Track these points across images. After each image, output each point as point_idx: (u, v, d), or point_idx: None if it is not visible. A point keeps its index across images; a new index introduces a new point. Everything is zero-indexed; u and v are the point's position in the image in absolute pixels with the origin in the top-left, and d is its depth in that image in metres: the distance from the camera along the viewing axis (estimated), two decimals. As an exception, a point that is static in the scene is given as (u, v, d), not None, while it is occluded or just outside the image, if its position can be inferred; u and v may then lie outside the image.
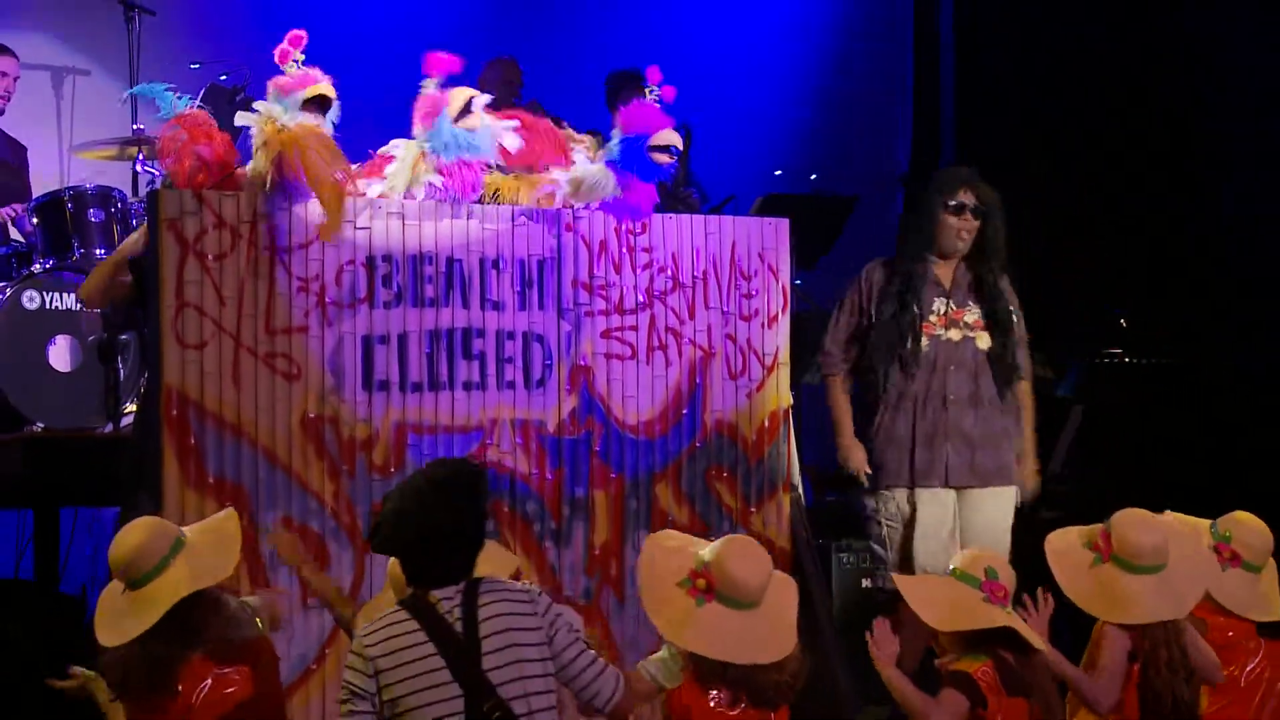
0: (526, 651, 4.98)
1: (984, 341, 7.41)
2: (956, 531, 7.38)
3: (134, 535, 5.36)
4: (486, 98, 6.79)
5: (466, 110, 6.67)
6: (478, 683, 4.92)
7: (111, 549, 5.40)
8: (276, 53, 6.43)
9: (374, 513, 5.30)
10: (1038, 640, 5.81)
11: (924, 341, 7.32)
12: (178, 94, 6.60)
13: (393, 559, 5.46)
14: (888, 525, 7.37)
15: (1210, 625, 6.62)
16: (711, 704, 5.48)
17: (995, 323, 7.43)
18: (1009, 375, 7.45)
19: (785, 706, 5.63)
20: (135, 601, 5.30)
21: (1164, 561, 6.16)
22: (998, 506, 7.42)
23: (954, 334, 7.38)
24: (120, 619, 5.32)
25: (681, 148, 6.97)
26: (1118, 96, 10.81)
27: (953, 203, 7.38)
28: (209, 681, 5.32)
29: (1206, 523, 6.78)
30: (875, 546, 7.42)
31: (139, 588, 5.31)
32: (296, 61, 6.41)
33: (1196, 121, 10.76)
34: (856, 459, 7.33)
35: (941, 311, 7.39)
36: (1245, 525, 6.60)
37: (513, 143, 6.79)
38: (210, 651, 5.31)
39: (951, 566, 5.96)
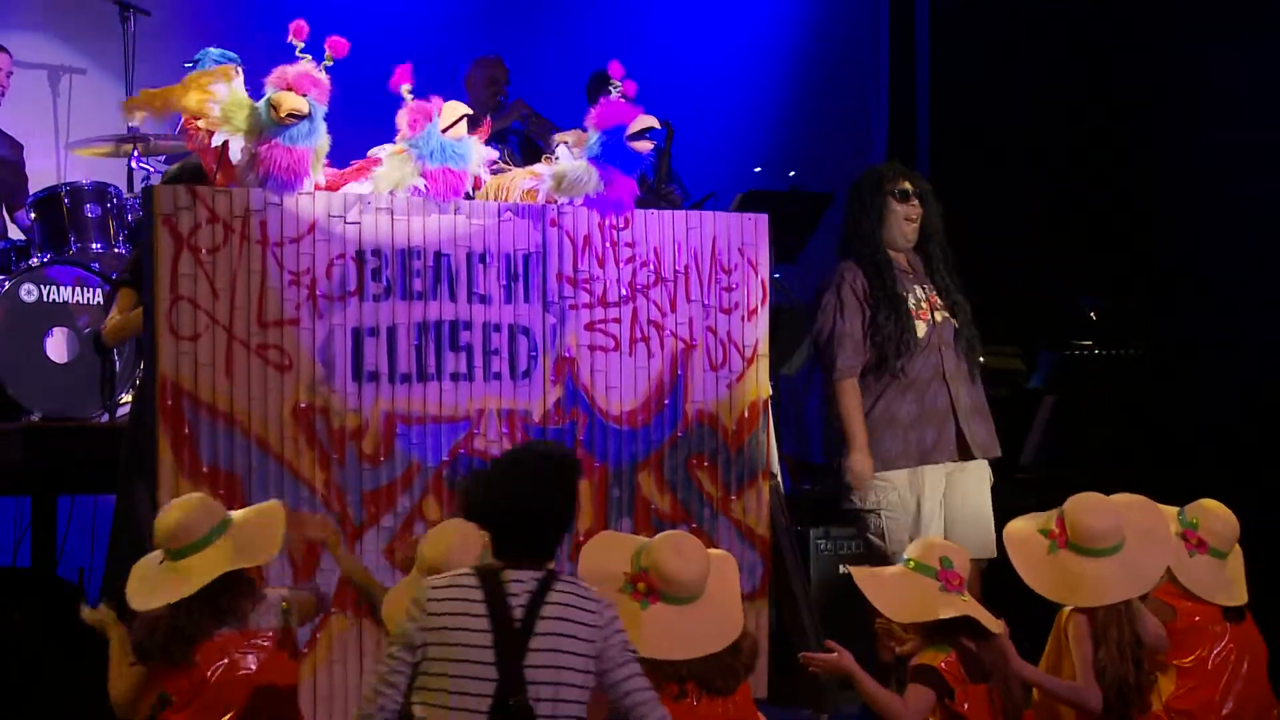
0: (571, 659, 4.90)
1: (959, 319, 7.51)
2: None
3: (182, 509, 5.43)
4: (468, 112, 6.80)
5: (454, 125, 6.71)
6: (515, 674, 4.85)
7: (159, 518, 5.45)
8: (293, 28, 6.42)
9: (466, 480, 5.30)
10: (995, 625, 5.82)
11: (922, 328, 7.39)
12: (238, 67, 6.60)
13: (425, 542, 5.49)
14: (887, 516, 7.33)
15: (1178, 610, 6.64)
16: (692, 701, 5.47)
17: (955, 302, 7.52)
18: (974, 347, 7.56)
19: (744, 684, 5.64)
20: (172, 572, 5.34)
21: (1119, 542, 6.17)
22: (983, 477, 7.51)
23: (938, 316, 7.45)
24: (154, 586, 5.35)
25: (659, 128, 6.97)
26: (1088, 97, 10.82)
27: (898, 190, 7.49)
28: (225, 661, 5.33)
29: (1174, 510, 6.80)
30: (874, 539, 7.34)
31: (177, 559, 5.35)
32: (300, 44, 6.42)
33: (1163, 120, 10.77)
34: (867, 470, 7.29)
35: (923, 297, 7.47)
36: (1211, 512, 6.63)
37: (486, 175, 6.86)
38: (235, 632, 5.34)
39: (906, 557, 5.97)
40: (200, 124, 6.43)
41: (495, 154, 6.95)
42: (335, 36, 6.46)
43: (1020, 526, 6.29)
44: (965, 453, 7.44)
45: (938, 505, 7.38)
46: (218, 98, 6.42)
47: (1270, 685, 6.75)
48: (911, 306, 7.40)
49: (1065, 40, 10.84)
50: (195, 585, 5.27)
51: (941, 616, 5.79)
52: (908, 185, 7.52)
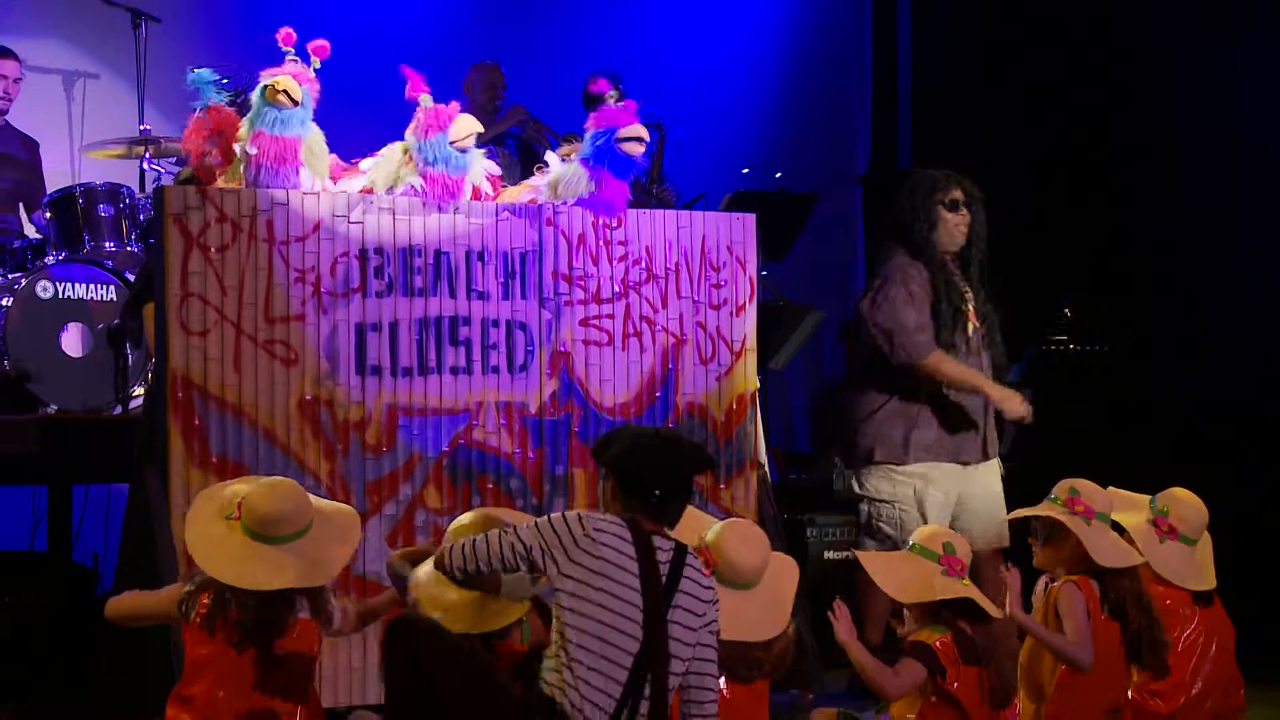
0: (690, 634, 5.03)
1: (983, 327, 7.53)
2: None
3: (284, 498, 5.42)
4: (480, 130, 6.83)
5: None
6: (659, 633, 4.96)
7: (258, 499, 5.39)
8: (281, 36, 6.45)
9: (607, 437, 5.38)
10: (994, 610, 5.86)
11: (970, 328, 7.44)
12: (221, 83, 6.61)
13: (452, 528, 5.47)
14: (901, 509, 7.39)
15: (1151, 595, 6.68)
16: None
17: (986, 308, 7.55)
18: (1000, 354, 7.60)
19: (764, 681, 5.65)
20: (262, 555, 5.34)
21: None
22: (997, 472, 7.57)
23: (976, 321, 7.48)
24: (243, 563, 5.33)
25: (648, 139, 6.97)
26: (1064, 99, 10.82)
27: (949, 200, 7.47)
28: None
29: (1145, 498, 6.83)
30: (884, 528, 7.41)
31: (264, 543, 5.35)
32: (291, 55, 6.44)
33: (1135, 130, 10.77)
34: (1019, 400, 7.37)
35: (970, 301, 7.49)
36: (1182, 500, 6.66)
37: (487, 187, 6.87)
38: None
39: (911, 542, 6.00)
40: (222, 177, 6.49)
41: (497, 169, 6.95)
42: (318, 40, 6.46)
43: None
44: (989, 456, 7.53)
45: (950, 501, 7.42)
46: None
47: (1237, 665, 6.78)
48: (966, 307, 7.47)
49: (1044, 48, 10.84)
50: (293, 581, 5.34)
51: (940, 598, 5.82)
52: (959, 195, 7.48)
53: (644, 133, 6.90)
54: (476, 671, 5.13)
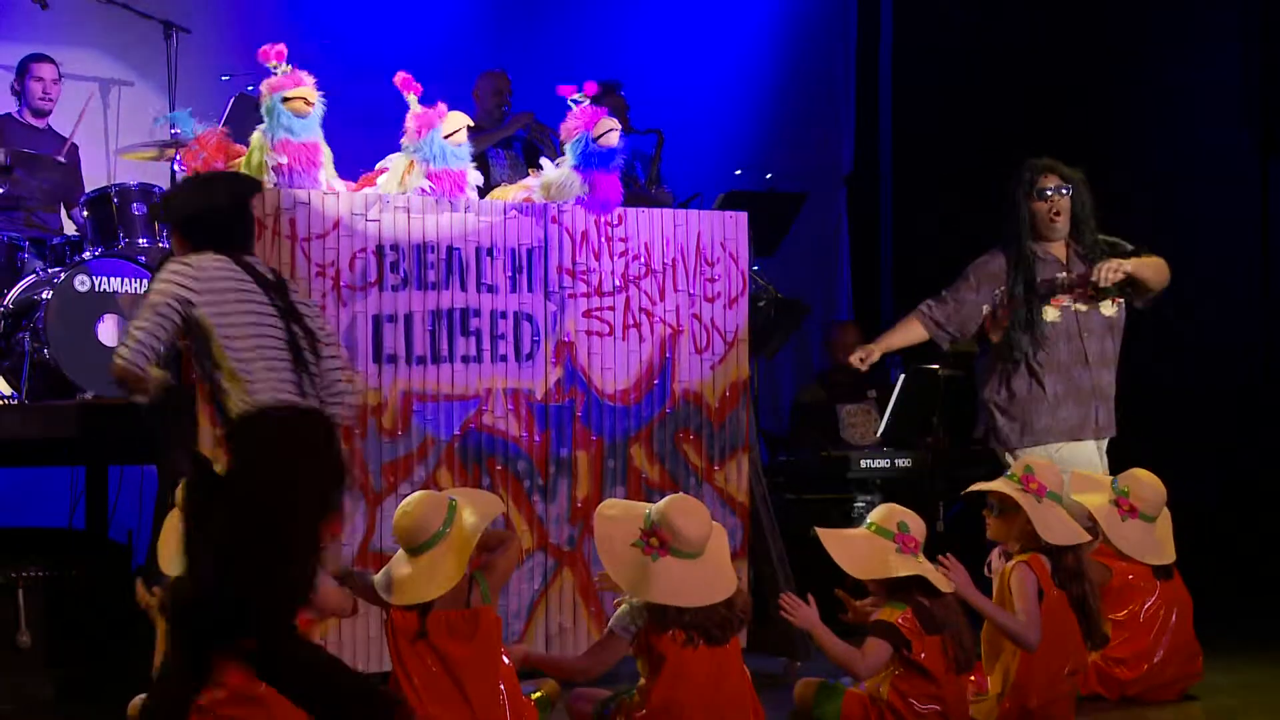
0: (316, 322, 5.50)
1: (1107, 309, 7.31)
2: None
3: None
4: (469, 122, 6.84)
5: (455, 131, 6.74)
6: (298, 319, 5.38)
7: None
8: (260, 53, 6.47)
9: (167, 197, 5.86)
10: (944, 584, 5.88)
11: (1054, 313, 7.24)
12: (196, 121, 6.78)
13: (398, 514, 5.49)
14: None
15: (1113, 570, 6.68)
16: (674, 645, 5.52)
17: (1102, 291, 7.29)
18: (1118, 331, 7.39)
19: (735, 637, 5.66)
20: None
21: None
22: (1103, 453, 7.34)
23: (1080, 305, 7.26)
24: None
25: (619, 126, 6.96)
26: (1038, 100, 10.80)
27: (1037, 190, 7.34)
28: None
29: (1108, 479, 6.84)
30: None
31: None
32: (279, 65, 6.45)
33: (1102, 131, 10.76)
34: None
35: (1067, 285, 7.27)
36: (1141, 480, 6.68)
37: (475, 178, 6.87)
38: None
39: (869, 521, 6.01)
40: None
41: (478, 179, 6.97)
42: (279, 45, 6.50)
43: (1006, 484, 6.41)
44: (1108, 430, 7.32)
45: (1097, 465, 7.22)
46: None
47: (1195, 635, 6.79)
48: (1045, 294, 7.25)
49: (1018, 52, 10.82)
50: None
51: (895, 574, 5.84)
52: (1048, 184, 7.35)
53: (614, 123, 6.91)
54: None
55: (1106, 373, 7.30)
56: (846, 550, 5.96)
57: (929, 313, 7.40)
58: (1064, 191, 7.32)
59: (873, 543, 5.96)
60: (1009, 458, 7.18)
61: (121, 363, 5.23)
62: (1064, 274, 7.28)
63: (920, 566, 5.86)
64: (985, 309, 7.35)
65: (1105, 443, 7.32)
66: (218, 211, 5.50)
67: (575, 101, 6.93)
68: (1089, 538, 6.39)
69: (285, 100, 6.41)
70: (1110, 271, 7.11)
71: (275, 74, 6.43)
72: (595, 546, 5.77)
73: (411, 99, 6.71)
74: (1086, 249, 7.31)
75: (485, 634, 5.54)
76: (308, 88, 6.44)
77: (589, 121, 6.86)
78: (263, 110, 6.49)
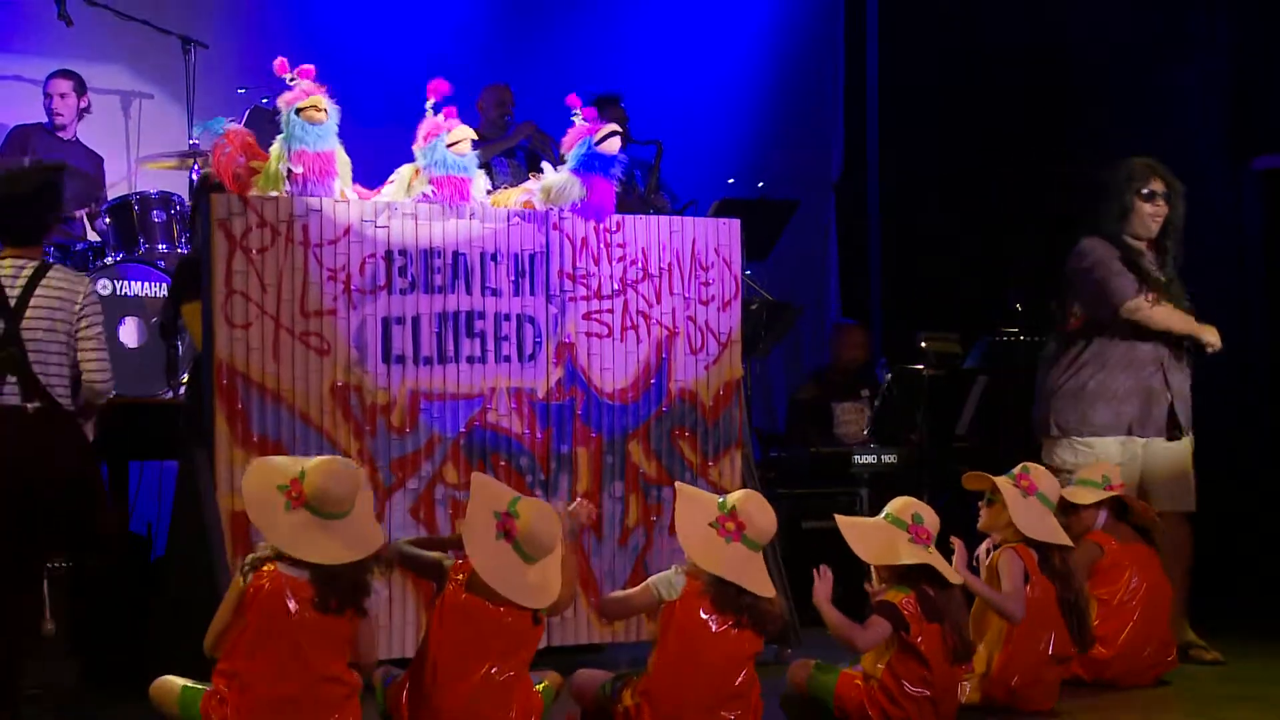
0: (49, 328, 5.76)
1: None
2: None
3: (340, 477, 5.37)
4: (473, 136, 6.81)
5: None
6: (14, 331, 5.69)
7: (320, 481, 5.33)
8: (277, 66, 6.45)
9: None
10: (954, 576, 5.89)
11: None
12: (228, 119, 6.70)
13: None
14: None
15: (1105, 550, 6.72)
16: (712, 625, 5.52)
17: (1176, 295, 7.19)
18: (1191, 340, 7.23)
19: (759, 637, 5.65)
20: (329, 530, 5.31)
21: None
22: (1186, 446, 7.23)
23: (1164, 305, 7.15)
24: (318, 543, 5.30)
25: (620, 130, 6.92)
26: (1017, 114, 10.79)
27: (1145, 190, 7.19)
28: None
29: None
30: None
31: (328, 519, 5.32)
32: (294, 79, 6.43)
33: (1075, 142, 10.75)
34: (1213, 332, 7.13)
35: (1153, 285, 7.16)
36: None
37: (480, 187, 6.84)
38: None
39: (886, 511, 5.99)
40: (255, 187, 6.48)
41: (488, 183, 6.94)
42: (304, 66, 6.47)
43: (1004, 482, 6.40)
44: (1172, 431, 7.20)
45: (1130, 472, 7.10)
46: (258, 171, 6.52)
47: (1170, 626, 6.82)
48: (1148, 289, 7.15)
49: (1000, 64, 10.80)
50: (373, 549, 5.36)
51: (904, 562, 5.83)
52: (1154, 187, 7.20)
53: (614, 126, 6.89)
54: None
55: (1178, 374, 7.19)
56: (860, 536, 5.96)
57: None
58: (1167, 197, 7.20)
59: (887, 531, 5.94)
60: (1059, 449, 7.13)
61: None
62: (1154, 275, 7.16)
63: (929, 557, 5.85)
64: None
65: (1185, 441, 7.22)
66: None
67: (576, 119, 6.91)
68: (1067, 540, 6.36)
69: (299, 111, 6.40)
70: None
71: (290, 87, 6.41)
72: (673, 519, 5.74)
73: (429, 105, 6.69)
74: (1165, 258, 7.22)
75: (532, 639, 5.55)
76: (320, 96, 6.42)
77: (589, 129, 6.84)
78: (281, 122, 6.47)
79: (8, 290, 5.77)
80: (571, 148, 6.87)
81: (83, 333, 5.86)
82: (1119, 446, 7.12)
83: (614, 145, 6.86)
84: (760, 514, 5.64)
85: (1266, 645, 7.33)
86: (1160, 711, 6.45)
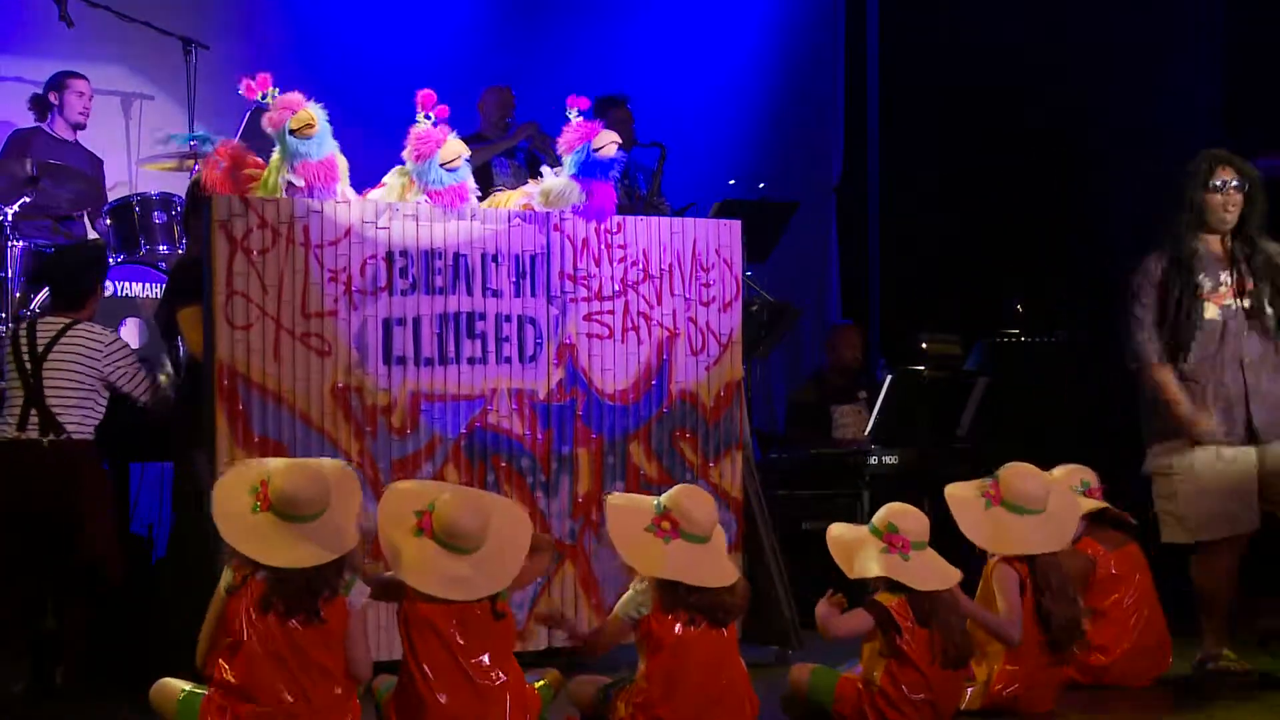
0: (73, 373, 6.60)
1: (1271, 306, 6.80)
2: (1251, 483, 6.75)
3: (303, 480, 5.37)
4: (466, 154, 6.80)
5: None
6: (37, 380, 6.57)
7: (283, 483, 5.33)
8: (246, 92, 6.44)
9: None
10: (920, 585, 5.82)
11: (1214, 311, 6.76)
12: (215, 136, 6.83)
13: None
14: (1176, 481, 6.79)
15: (1098, 561, 6.68)
16: (676, 628, 5.50)
17: (1274, 286, 6.81)
18: (1275, 330, 6.83)
19: (733, 623, 5.64)
20: (293, 534, 5.30)
21: (1044, 506, 6.20)
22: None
23: (1245, 301, 6.77)
24: (276, 546, 5.29)
25: (618, 139, 6.90)
26: (1015, 117, 10.80)
27: (1215, 183, 6.81)
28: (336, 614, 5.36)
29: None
30: (1161, 501, 6.86)
31: (291, 522, 5.31)
32: (270, 95, 6.41)
33: (1079, 140, 10.76)
34: (1204, 423, 6.71)
35: (1229, 283, 6.79)
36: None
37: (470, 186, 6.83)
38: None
39: (872, 519, 5.98)
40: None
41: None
42: (262, 75, 6.46)
43: (959, 488, 6.29)
44: (1265, 439, 6.76)
45: (1233, 473, 6.74)
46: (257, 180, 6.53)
47: (1166, 629, 6.79)
48: (1207, 291, 6.77)
49: (997, 71, 10.80)
50: (332, 556, 5.31)
51: (868, 575, 5.82)
52: (1223, 177, 6.83)
53: (613, 136, 6.87)
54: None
55: (1268, 375, 6.79)
56: (841, 550, 5.97)
57: (1161, 356, 6.81)
58: (1240, 185, 6.83)
59: (865, 541, 5.93)
60: (1152, 455, 6.88)
61: None
62: (1226, 271, 6.83)
63: (896, 568, 5.81)
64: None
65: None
66: None
67: (581, 114, 6.89)
68: (1010, 552, 6.20)
69: (293, 132, 6.39)
70: None
71: (267, 105, 6.38)
72: (607, 533, 5.71)
73: (421, 116, 6.67)
74: (1250, 249, 6.83)
75: (500, 631, 5.50)
76: (306, 110, 6.40)
77: (589, 133, 6.82)
78: (275, 141, 6.45)
79: (39, 342, 6.73)
80: (570, 151, 6.85)
81: (113, 376, 6.78)
82: (1213, 450, 6.75)
83: (611, 151, 6.85)
84: (694, 505, 5.62)
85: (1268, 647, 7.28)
86: (1159, 712, 6.43)
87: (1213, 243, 6.86)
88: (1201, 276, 6.78)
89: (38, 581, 6.76)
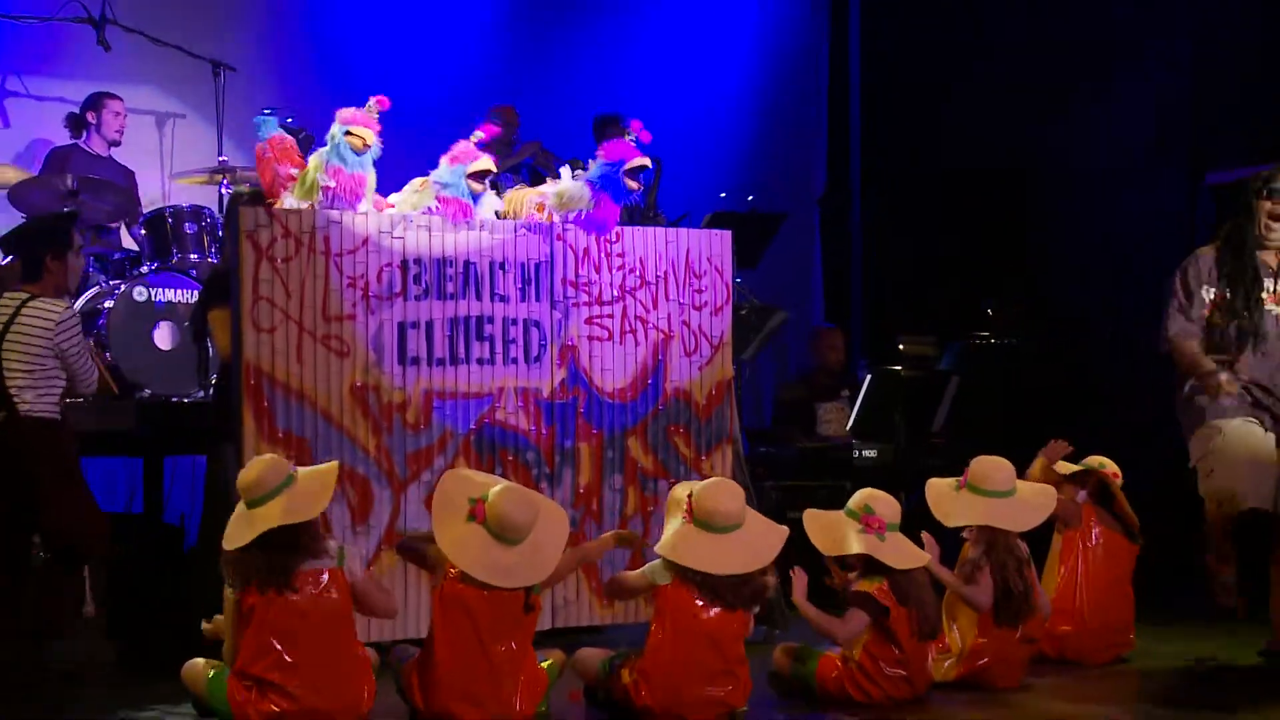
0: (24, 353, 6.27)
1: None
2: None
3: (258, 467, 5.44)
4: (493, 170, 6.84)
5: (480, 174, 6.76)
6: None
7: (241, 474, 5.48)
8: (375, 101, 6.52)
9: None
10: (898, 563, 5.86)
11: (1263, 317, 6.60)
12: (273, 115, 6.73)
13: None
14: (1209, 468, 6.63)
15: (1084, 519, 6.74)
16: (689, 604, 5.54)
17: None
18: None
19: (748, 611, 5.63)
20: (250, 518, 5.34)
21: (1011, 489, 6.22)
22: None
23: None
24: (239, 530, 5.36)
25: (650, 168, 6.94)
26: (988, 129, 10.81)
27: (1268, 188, 6.58)
28: (314, 588, 5.36)
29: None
30: (1200, 488, 6.69)
31: (253, 507, 5.35)
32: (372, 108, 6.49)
33: (1037, 174, 10.79)
34: (1222, 380, 6.52)
35: (1273, 290, 6.57)
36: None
37: (489, 208, 6.84)
38: (310, 566, 5.36)
39: (847, 504, 6.01)
40: (287, 193, 6.48)
41: (499, 205, 6.94)
42: (381, 96, 6.47)
43: (936, 481, 6.35)
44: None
45: (1261, 459, 6.57)
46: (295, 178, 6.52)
47: (1132, 606, 6.81)
48: (1259, 294, 6.57)
49: (971, 95, 10.83)
50: (261, 529, 5.30)
51: (847, 551, 5.85)
52: (1277, 184, 6.60)
53: (646, 162, 6.86)
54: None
55: None
56: (819, 530, 5.98)
57: (1189, 337, 6.69)
58: None
59: (842, 523, 5.96)
60: (1190, 445, 6.72)
61: None
62: (1271, 279, 6.61)
63: (877, 546, 5.84)
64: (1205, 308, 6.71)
65: None
66: None
67: (629, 136, 6.90)
68: (975, 523, 6.21)
69: (347, 133, 6.42)
70: None
71: (363, 109, 6.42)
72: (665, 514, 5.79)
73: (477, 135, 6.78)
74: None
75: (527, 622, 5.55)
76: (370, 130, 6.44)
77: (628, 156, 6.80)
78: (327, 135, 6.48)
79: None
80: (605, 159, 6.83)
81: (63, 350, 6.39)
82: (1237, 426, 6.60)
83: (635, 184, 6.84)
84: (716, 500, 5.62)
85: (1225, 624, 7.27)
86: (1120, 684, 6.46)
87: (1266, 254, 6.67)
88: (1251, 279, 6.58)
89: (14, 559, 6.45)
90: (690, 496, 5.65)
